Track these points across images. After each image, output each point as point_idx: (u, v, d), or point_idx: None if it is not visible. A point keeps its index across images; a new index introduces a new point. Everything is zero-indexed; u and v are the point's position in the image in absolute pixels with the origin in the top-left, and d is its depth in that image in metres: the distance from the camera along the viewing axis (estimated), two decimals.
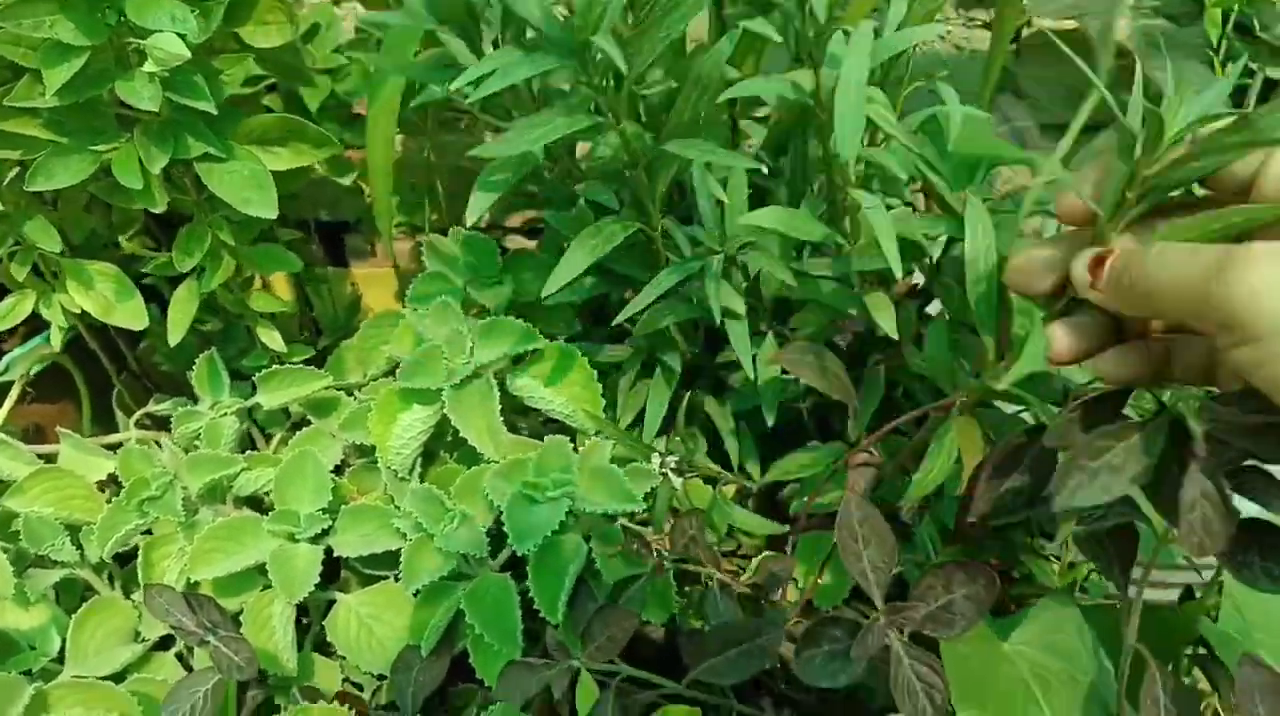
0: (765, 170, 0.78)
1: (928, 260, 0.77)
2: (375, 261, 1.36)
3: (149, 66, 0.65)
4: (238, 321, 0.97)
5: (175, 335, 0.79)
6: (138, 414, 0.93)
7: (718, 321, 0.71)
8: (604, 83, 0.59)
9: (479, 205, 0.62)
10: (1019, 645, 0.57)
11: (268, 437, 0.94)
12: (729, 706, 0.69)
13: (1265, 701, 0.54)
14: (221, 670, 0.70)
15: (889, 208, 0.80)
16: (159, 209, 0.71)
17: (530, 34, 0.59)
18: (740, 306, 0.76)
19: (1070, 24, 1.05)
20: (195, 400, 0.91)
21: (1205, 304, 0.36)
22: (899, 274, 0.62)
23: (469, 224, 0.65)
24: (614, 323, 0.73)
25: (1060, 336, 0.44)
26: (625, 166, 0.65)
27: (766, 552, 0.82)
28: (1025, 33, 1.08)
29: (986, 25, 1.17)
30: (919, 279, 0.83)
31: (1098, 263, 0.41)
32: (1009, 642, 0.57)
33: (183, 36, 0.66)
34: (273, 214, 0.71)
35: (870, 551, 0.55)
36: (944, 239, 0.77)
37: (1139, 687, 0.55)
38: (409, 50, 0.74)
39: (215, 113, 0.67)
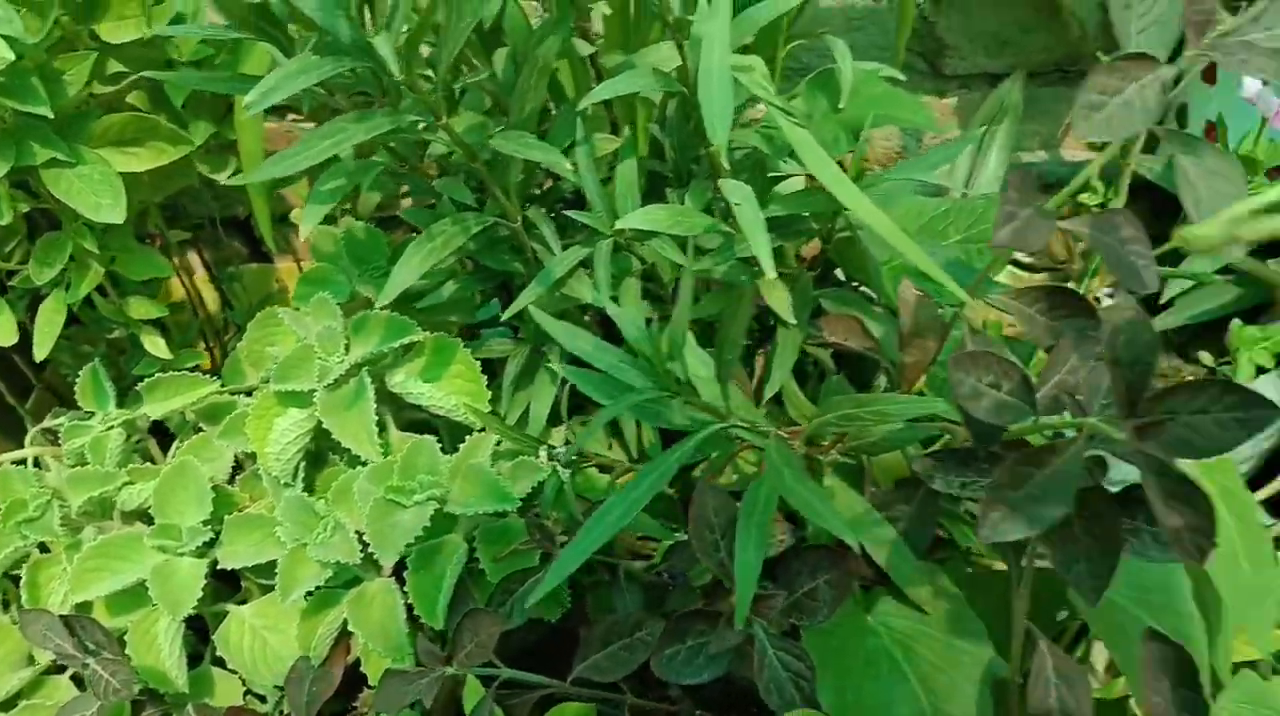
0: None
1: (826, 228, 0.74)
2: (302, 255, 1.33)
3: None
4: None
5: (41, 349, 0.76)
6: (34, 430, 0.90)
7: (606, 307, 0.68)
8: (417, 78, 0.56)
9: (312, 217, 0.60)
10: (883, 615, 0.54)
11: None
12: (623, 701, 0.66)
13: (1170, 675, 0.52)
14: (98, 695, 0.67)
15: (780, 178, 0.77)
16: (4, 220, 0.68)
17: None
18: (636, 292, 0.73)
19: None
20: (91, 414, 0.88)
21: None
22: (770, 272, 0.58)
23: (302, 237, 0.62)
24: (504, 317, 0.71)
25: None
26: (466, 161, 0.62)
27: (675, 538, 0.79)
28: None
29: None
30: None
31: None
32: (872, 614, 0.54)
33: (10, 39, 0.63)
34: (121, 219, 0.68)
35: (728, 541, 0.53)
36: None
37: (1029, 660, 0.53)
38: (264, 51, 0.71)
39: (51, 116, 0.64)
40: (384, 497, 0.64)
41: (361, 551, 0.67)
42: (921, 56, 1.13)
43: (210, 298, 1.12)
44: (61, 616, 0.69)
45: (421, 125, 0.63)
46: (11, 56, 0.62)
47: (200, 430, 0.86)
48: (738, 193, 0.61)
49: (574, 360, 0.78)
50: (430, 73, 0.63)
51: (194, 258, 1.13)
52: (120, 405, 0.85)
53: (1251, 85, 0.81)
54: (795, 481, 0.47)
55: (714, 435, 0.55)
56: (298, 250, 1.08)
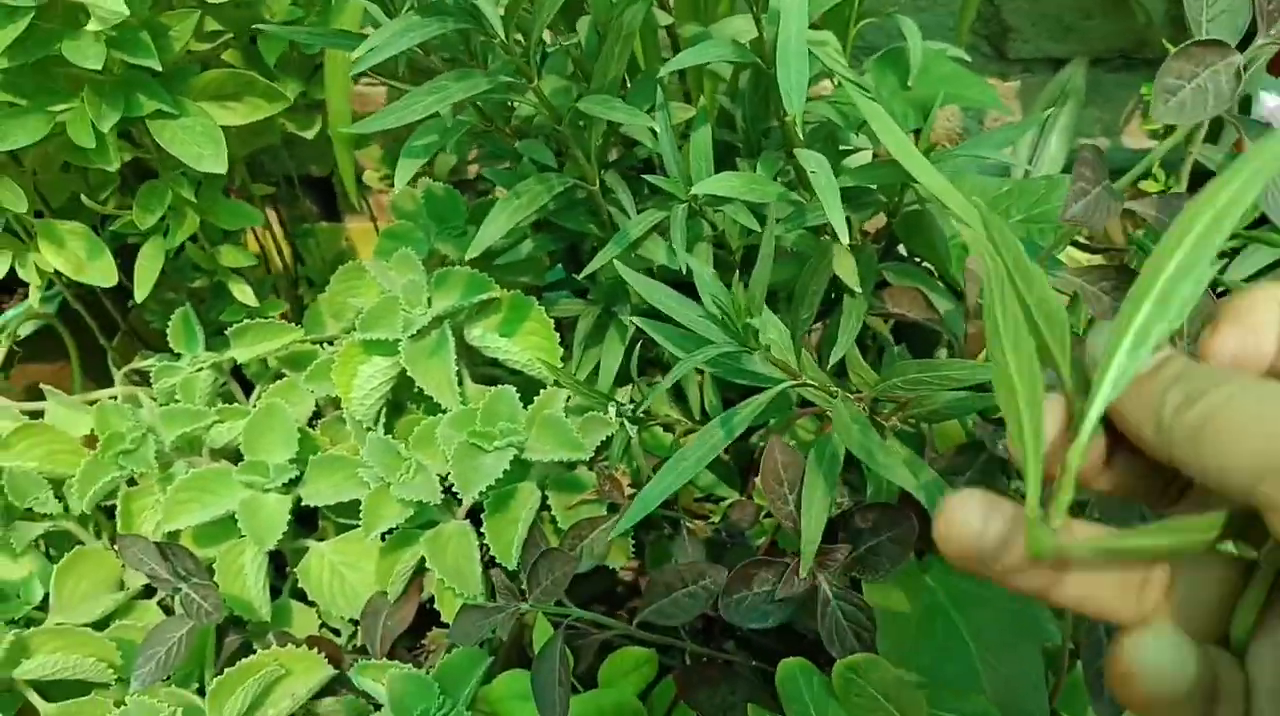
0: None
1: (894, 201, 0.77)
2: (376, 215, 1.38)
3: (92, 25, 0.66)
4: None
5: (141, 291, 0.80)
6: (123, 369, 0.95)
7: (682, 269, 0.71)
8: (513, 42, 0.59)
9: (404, 173, 0.63)
10: (939, 576, 0.57)
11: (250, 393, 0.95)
12: (682, 648, 0.70)
13: None
14: (190, 615, 0.72)
15: (849, 152, 0.79)
16: (113, 167, 0.72)
17: None
18: (708, 256, 0.76)
19: None
20: (180, 357, 0.92)
21: None
22: (844, 238, 0.61)
23: (396, 189, 0.66)
24: (580, 276, 0.74)
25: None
26: (550, 123, 0.65)
27: (734, 498, 0.82)
28: None
29: None
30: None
31: None
32: (930, 575, 0.57)
33: None
34: (223, 169, 0.72)
35: (795, 494, 0.56)
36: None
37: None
38: (355, 9, 0.75)
39: (160, 69, 0.68)
40: (468, 441, 0.68)
41: (441, 493, 0.71)
42: (986, 39, 1.14)
43: (284, 252, 1.16)
44: (155, 542, 0.74)
45: (512, 87, 0.66)
46: (126, 11, 0.65)
47: (282, 376, 0.90)
48: (813, 161, 0.64)
49: (648, 317, 0.82)
50: (520, 37, 0.66)
51: (270, 214, 1.17)
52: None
53: (1270, 100, 0.80)
54: (863, 436, 0.50)
55: (777, 397, 0.58)
56: (372, 209, 1.12)
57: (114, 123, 0.69)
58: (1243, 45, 0.55)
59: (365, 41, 0.58)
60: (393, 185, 1.15)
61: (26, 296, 1.04)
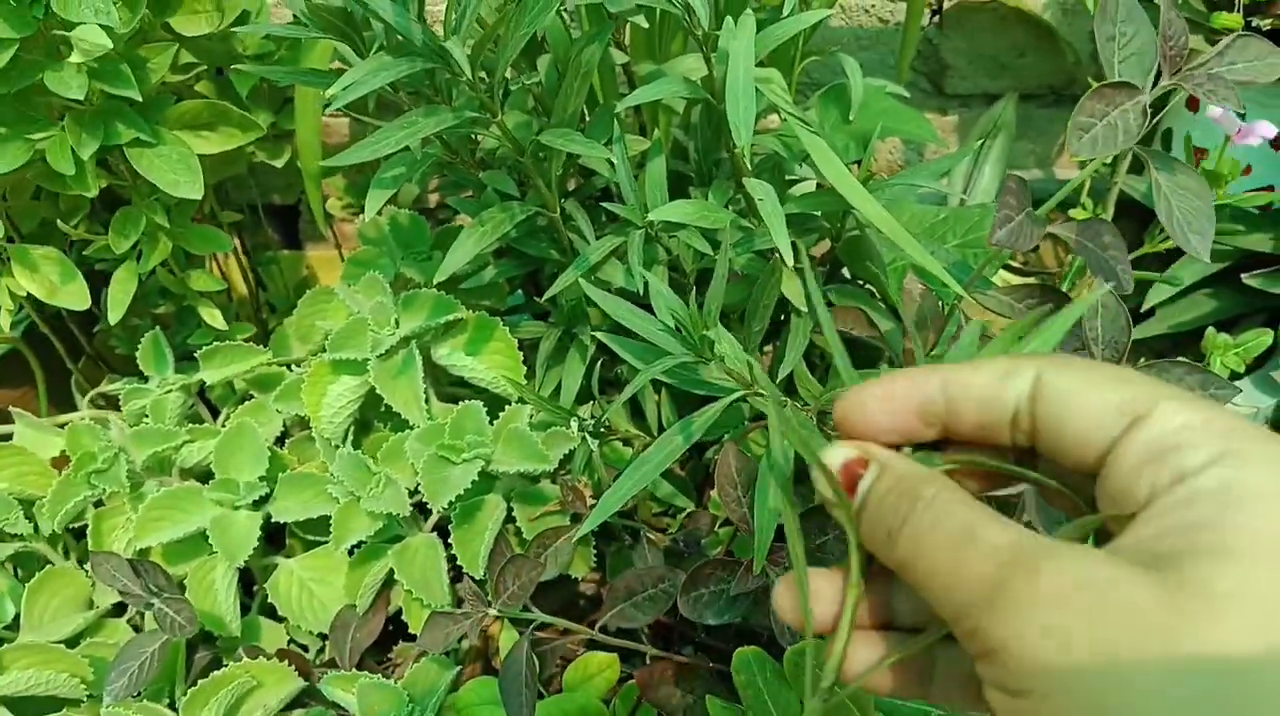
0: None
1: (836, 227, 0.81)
2: (331, 244, 1.40)
3: (75, 57, 0.68)
4: (190, 303, 1.00)
5: (115, 314, 0.82)
6: (91, 393, 0.96)
7: (639, 289, 0.75)
8: (478, 79, 0.63)
9: (374, 203, 0.66)
10: None
11: (217, 415, 0.97)
12: (643, 653, 0.73)
13: None
14: (164, 630, 0.74)
15: (794, 181, 0.84)
16: (91, 193, 0.75)
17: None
18: (664, 278, 0.80)
19: None
20: (147, 380, 0.94)
21: (966, 619, 0.26)
22: (789, 260, 0.65)
23: (367, 218, 0.69)
24: (542, 299, 0.78)
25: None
26: (513, 155, 0.69)
27: (691, 509, 0.86)
28: (948, 4, 1.11)
29: None
30: None
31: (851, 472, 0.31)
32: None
33: (106, 28, 0.69)
34: (199, 195, 0.75)
35: (749, 497, 0.59)
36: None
37: None
38: (325, 47, 0.78)
39: (140, 99, 0.70)
40: (436, 454, 0.71)
41: (409, 507, 0.74)
42: (925, 76, 1.20)
43: (248, 278, 1.19)
44: (127, 559, 0.75)
45: (477, 121, 0.70)
46: (109, 45, 0.68)
47: (248, 398, 0.93)
48: (760, 190, 0.68)
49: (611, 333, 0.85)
50: (485, 74, 0.70)
51: (234, 241, 1.20)
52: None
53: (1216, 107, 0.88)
54: (808, 437, 0.54)
55: (731, 408, 0.62)
56: (337, 236, 1.15)
57: (93, 150, 0.72)
58: (1155, 84, 0.60)
59: (340, 80, 0.61)
60: (356, 213, 1.18)
61: None
